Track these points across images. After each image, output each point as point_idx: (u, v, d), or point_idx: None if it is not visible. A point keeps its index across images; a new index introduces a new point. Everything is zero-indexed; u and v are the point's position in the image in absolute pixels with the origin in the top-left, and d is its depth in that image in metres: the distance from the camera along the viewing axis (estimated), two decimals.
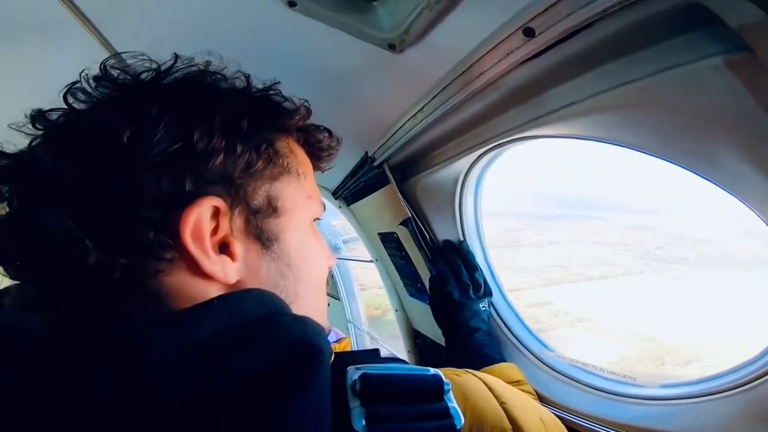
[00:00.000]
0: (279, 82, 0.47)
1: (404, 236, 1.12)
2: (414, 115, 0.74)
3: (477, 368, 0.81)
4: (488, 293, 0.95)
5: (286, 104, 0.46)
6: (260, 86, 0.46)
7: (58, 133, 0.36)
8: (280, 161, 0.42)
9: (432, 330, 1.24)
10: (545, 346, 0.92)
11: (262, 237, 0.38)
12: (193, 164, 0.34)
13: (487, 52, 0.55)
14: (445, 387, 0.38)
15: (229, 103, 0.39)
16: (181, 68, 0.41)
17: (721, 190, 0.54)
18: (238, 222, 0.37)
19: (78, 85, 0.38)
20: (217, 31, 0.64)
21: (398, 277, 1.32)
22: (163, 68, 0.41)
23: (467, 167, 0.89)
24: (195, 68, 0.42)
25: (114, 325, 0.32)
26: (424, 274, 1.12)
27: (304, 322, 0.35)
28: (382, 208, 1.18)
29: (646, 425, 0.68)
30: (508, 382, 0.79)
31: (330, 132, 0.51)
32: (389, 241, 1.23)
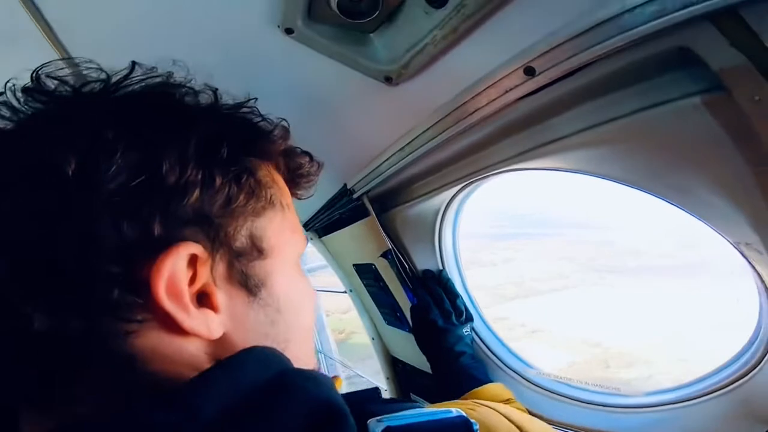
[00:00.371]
0: (256, 99, 0.39)
1: (383, 267, 1.06)
2: (402, 148, 0.71)
3: (466, 391, 0.80)
4: (470, 319, 0.92)
5: (264, 124, 0.39)
6: (231, 102, 0.38)
7: None
8: (263, 193, 0.34)
9: (410, 356, 1.18)
10: (527, 364, 0.91)
11: (248, 283, 0.32)
12: (163, 202, 0.26)
13: (486, 89, 0.53)
14: (474, 427, 0.33)
15: (203, 124, 0.31)
16: (140, 79, 0.33)
17: (695, 218, 0.55)
18: (220, 268, 0.30)
19: (1, 98, 0.29)
20: (205, 54, 0.56)
21: (374, 306, 1.25)
22: (114, 78, 0.32)
23: (449, 199, 0.86)
24: (158, 79, 0.34)
25: (86, 402, 0.25)
26: (404, 303, 1.06)
27: (316, 380, 0.29)
28: (359, 240, 1.11)
29: None
30: (499, 401, 0.76)
31: (311, 156, 0.45)
32: (366, 272, 1.16)
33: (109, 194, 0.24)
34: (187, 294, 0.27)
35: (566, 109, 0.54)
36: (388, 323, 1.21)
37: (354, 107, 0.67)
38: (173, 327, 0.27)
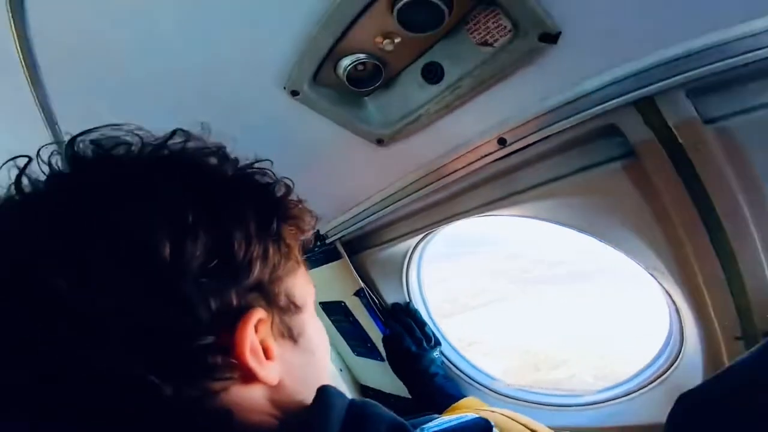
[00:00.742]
0: (271, 162, 0.36)
1: (353, 304, 0.99)
2: (383, 200, 0.69)
3: (443, 408, 0.76)
4: (438, 343, 0.90)
5: (279, 187, 0.36)
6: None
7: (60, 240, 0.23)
8: (291, 255, 0.34)
9: (381, 383, 1.10)
10: (492, 377, 0.90)
11: (292, 334, 0.32)
12: (235, 278, 0.27)
13: (465, 153, 0.55)
14: (492, 426, 0.35)
15: (254, 198, 0.30)
16: (188, 148, 0.30)
17: (618, 251, 0.61)
18: (274, 325, 0.31)
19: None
20: (208, 108, 0.48)
21: (342, 340, 1.15)
22: (153, 143, 0.29)
23: (416, 242, 0.85)
24: (207, 150, 0.31)
25: None
26: (374, 335, 0.99)
27: (375, 405, 0.31)
28: (327, 280, 1.03)
29: (599, 425, 0.68)
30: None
31: (311, 211, 0.40)
32: (335, 309, 1.08)
33: (196, 275, 0.24)
34: (260, 350, 0.27)
35: (526, 168, 0.57)
36: (357, 354, 1.12)
37: (341, 162, 0.64)
38: (248, 379, 0.27)
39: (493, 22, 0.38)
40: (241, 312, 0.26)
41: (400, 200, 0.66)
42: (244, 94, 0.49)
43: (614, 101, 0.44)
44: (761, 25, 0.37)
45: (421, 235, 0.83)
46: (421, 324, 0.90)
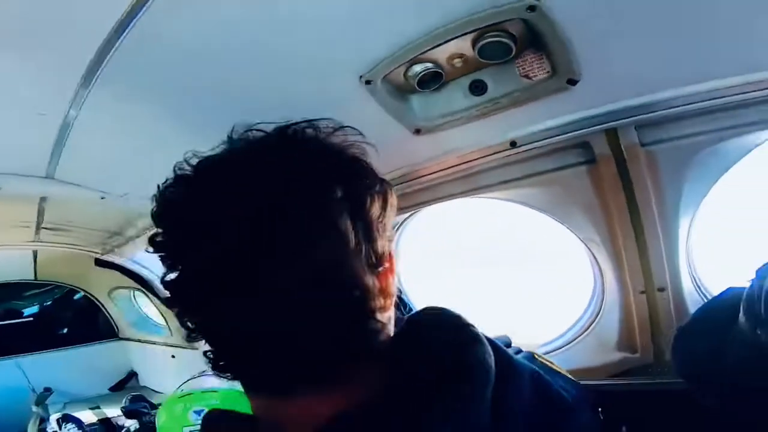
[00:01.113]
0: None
1: None
2: (395, 177, 0.79)
3: None
4: (411, 310, 1.06)
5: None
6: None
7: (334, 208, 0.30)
8: None
9: None
10: None
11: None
12: (386, 229, 0.34)
13: (482, 148, 0.69)
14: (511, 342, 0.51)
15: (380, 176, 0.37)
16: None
17: (567, 229, 0.84)
18: None
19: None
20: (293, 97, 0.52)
21: None
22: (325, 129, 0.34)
23: (404, 218, 0.98)
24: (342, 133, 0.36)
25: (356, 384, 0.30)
26: None
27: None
28: None
29: None
30: None
31: None
32: None
33: (376, 224, 0.32)
34: None
35: (518, 162, 0.74)
36: None
37: (375, 142, 0.71)
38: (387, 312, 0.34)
39: (537, 63, 0.52)
40: (392, 256, 0.34)
41: (412, 180, 0.78)
42: (321, 74, 0.54)
43: (594, 128, 0.64)
44: (686, 91, 0.58)
45: (408, 213, 0.96)
46: (398, 293, 1.05)
